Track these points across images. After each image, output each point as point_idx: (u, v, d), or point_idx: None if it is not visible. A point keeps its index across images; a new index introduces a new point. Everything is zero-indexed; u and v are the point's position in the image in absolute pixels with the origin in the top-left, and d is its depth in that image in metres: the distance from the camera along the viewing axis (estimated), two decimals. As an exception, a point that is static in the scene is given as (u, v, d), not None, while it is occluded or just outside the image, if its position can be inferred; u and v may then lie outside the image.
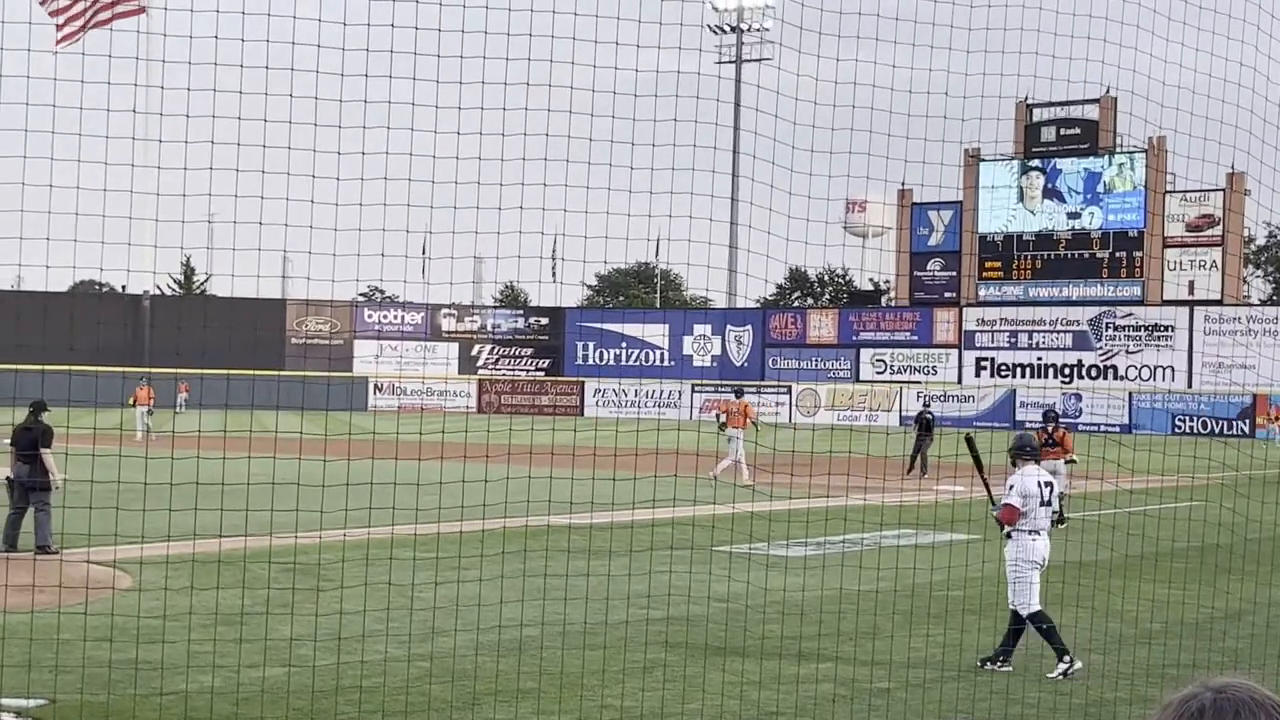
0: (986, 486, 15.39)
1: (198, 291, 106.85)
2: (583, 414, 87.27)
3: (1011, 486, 14.57)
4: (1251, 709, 2.62)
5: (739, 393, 40.19)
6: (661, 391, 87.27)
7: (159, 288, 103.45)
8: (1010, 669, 14.16)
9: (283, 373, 73.31)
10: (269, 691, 12.20)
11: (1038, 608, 14.35)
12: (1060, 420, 30.95)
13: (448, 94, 11.38)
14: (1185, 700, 2.69)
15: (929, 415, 42.60)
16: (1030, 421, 75.71)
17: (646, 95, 12.50)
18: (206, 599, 15.46)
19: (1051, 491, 14.73)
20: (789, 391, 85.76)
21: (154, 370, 76.58)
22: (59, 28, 26.45)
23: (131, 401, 53.15)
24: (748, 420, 36.64)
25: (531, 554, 17.35)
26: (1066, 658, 13.94)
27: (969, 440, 15.45)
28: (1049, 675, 13.93)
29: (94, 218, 11.16)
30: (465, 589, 16.00)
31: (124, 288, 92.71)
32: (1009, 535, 14.58)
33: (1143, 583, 19.17)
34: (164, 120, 11.27)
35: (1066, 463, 28.48)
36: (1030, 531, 14.48)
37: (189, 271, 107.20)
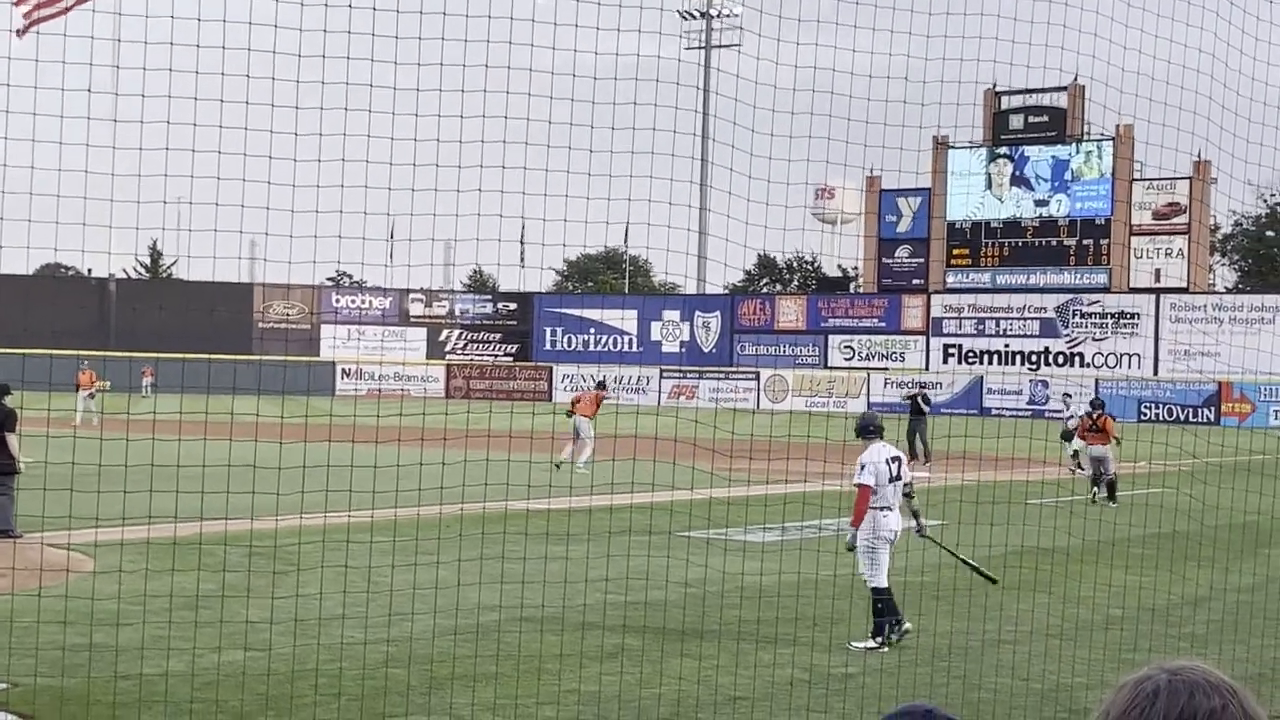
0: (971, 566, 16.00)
1: (164, 275, 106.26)
2: (551, 399, 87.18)
3: (863, 466, 14.81)
4: (1206, 690, 2.62)
5: (601, 385, 40.35)
6: (630, 377, 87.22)
7: (125, 271, 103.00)
8: (908, 627, 14.54)
9: (250, 357, 73.07)
10: (229, 676, 12.14)
11: (884, 584, 14.65)
12: (1104, 408, 33.36)
13: (428, 76, 11.32)
14: (1140, 682, 2.69)
15: (921, 397, 42.77)
16: (999, 408, 76.03)
17: (612, 79, 12.45)
18: (167, 583, 15.39)
19: (899, 466, 15.02)
20: (757, 378, 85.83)
21: (120, 355, 76.24)
22: (26, 15, 26.22)
23: (76, 386, 52.74)
24: (597, 408, 37.02)
25: (494, 538, 17.32)
26: (879, 639, 14.34)
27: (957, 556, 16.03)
28: (852, 644, 14.38)
29: (59, 200, 11.07)
30: (428, 573, 15.94)
31: (90, 271, 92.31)
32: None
33: (1106, 568, 19.24)
34: (122, 100, 11.18)
35: (1114, 445, 31.32)
36: (882, 508, 14.79)
37: (156, 255, 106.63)
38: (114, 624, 12.97)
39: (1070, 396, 44.31)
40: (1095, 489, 30.33)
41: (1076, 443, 35.39)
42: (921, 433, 40.73)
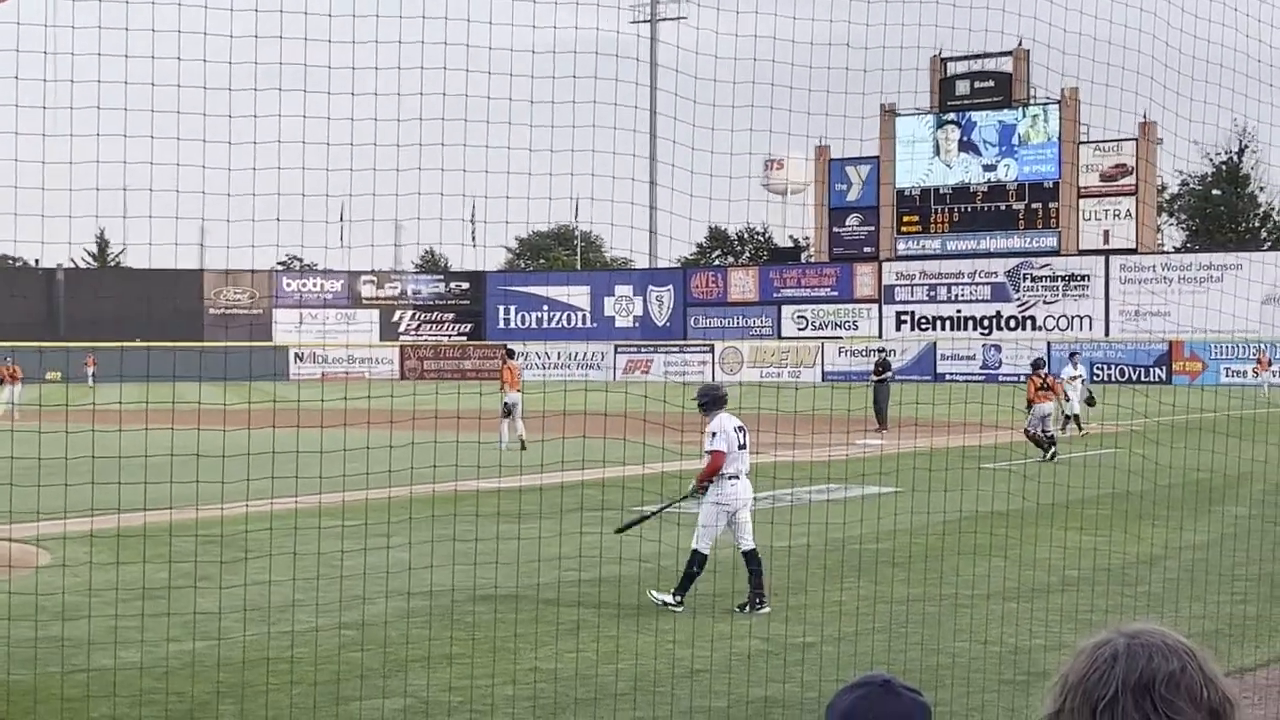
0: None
1: (113, 264, 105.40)
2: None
3: (714, 434, 14.91)
4: (1164, 653, 2.61)
5: (510, 354, 39.39)
6: (584, 353, 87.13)
7: (73, 260, 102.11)
8: (768, 609, 14.58)
9: (201, 344, 72.61)
10: (184, 666, 12.03)
11: (705, 552, 14.81)
12: (1044, 366, 34.86)
13: (363, 55, 11.17)
14: (1098, 646, 2.67)
15: (880, 364, 43.19)
16: (951, 373, 76.33)
17: (556, 52, 12.33)
18: (115, 574, 15.23)
19: (745, 435, 15.17)
20: (711, 350, 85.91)
21: (70, 344, 75.62)
22: None
23: None
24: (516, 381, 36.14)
25: (446, 519, 17.24)
26: (678, 597, 14.60)
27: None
28: (651, 593, 14.73)
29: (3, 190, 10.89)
30: (380, 556, 15.85)
31: (38, 261, 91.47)
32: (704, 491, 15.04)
33: (1061, 530, 19.32)
34: (54, 86, 10.97)
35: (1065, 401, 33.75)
36: (730, 477, 14.92)
37: (103, 244, 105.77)
38: (62, 617, 12.82)
39: (1078, 354, 44.27)
40: (1054, 448, 30.93)
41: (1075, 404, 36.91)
42: (881, 399, 40.85)
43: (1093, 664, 2.64)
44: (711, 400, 15.30)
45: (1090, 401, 37.86)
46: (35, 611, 12.41)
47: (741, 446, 15.02)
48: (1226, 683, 2.64)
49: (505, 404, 34.97)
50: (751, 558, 14.89)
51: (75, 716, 10.61)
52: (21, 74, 10.68)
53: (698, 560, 14.77)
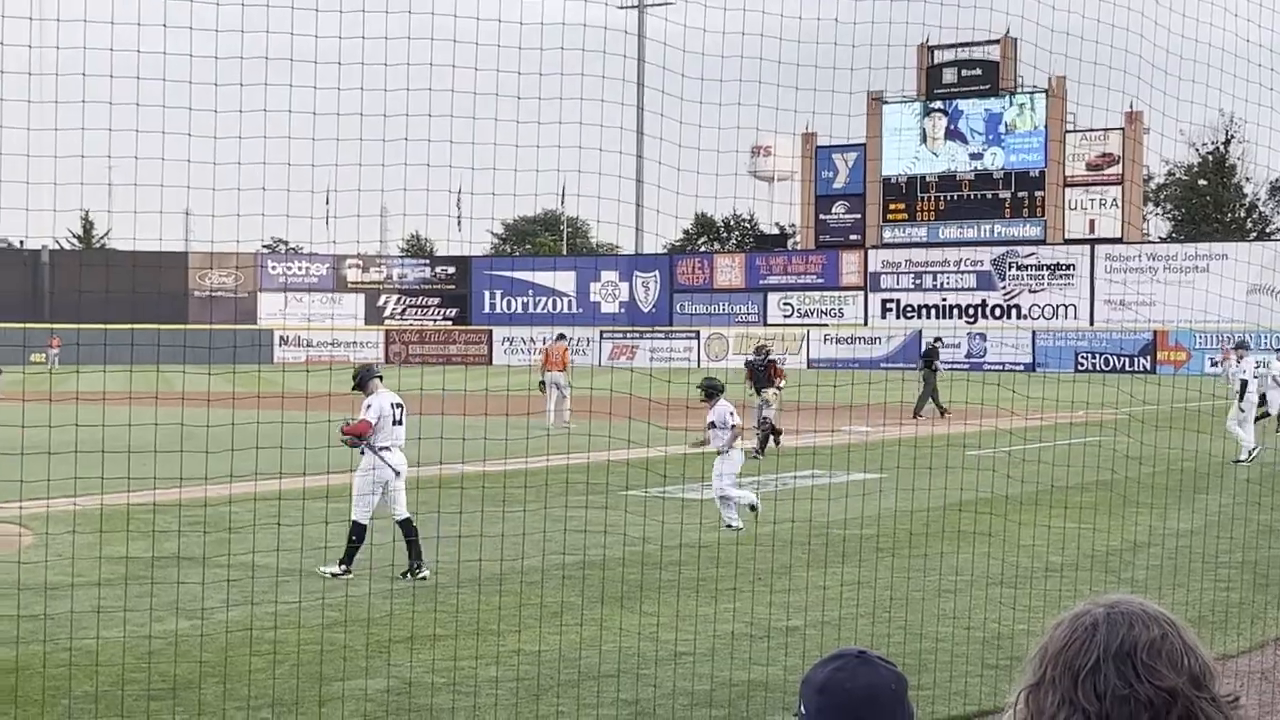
0: None
1: (98, 245, 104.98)
2: (491, 363, 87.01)
3: (369, 405, 15.91)
4: (1145, 621, 2.61)
5: (561, 337, 41.05)
6: (570, 338, 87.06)
7: (58, 242, 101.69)
8: (425, 575, 15.35)
9: (184, 326, 72.35)
10: (167, 645, 12.01)
11: (365, 522, 15.70)
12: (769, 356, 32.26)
13: (351, 24, 11.11)
14: (1078, 616, 2.68)
15: (932, 351, 42.76)
16: (937, 362, 76.30)
17: (544, 24, 12.29)
18: (98, 552, 15.21)
19: (403, 412, 16.15)
20: (697, 336, 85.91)
21: (54, 325, 75.37)
22: None
23: None
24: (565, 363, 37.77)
25: (430, 500, 17.24)
26: (344, 566, 15.38)
27: None
28: (321, 569, 15.20)
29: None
30: (376, 537, 15.86)
31: (22, 243, 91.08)
32: (362, 452, 15.91)
33: (1046, 516, 19.35)
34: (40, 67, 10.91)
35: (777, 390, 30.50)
36: (383, 448, 15.84)
37: (88, 225, 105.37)
38: (45, 596, 12.79)
39: (1247, 349, 32.18)
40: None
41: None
42: (929, 387, 40.56)
43: (1073, 633, 2.64)
44: (365, 379, 16.29)
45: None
46: (18, 590, 12.37)
47: (397, 422, 15.97)
48: (1206, 652, 2.64)
49: (551, 383, 35.91)
50: (406, 527, 15.75)
51: (58, 695, 10.59)
52: (6, 40, 10.64)
53: (357, 531, 15.63)
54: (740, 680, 11.17)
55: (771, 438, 28.95)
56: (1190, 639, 2.63)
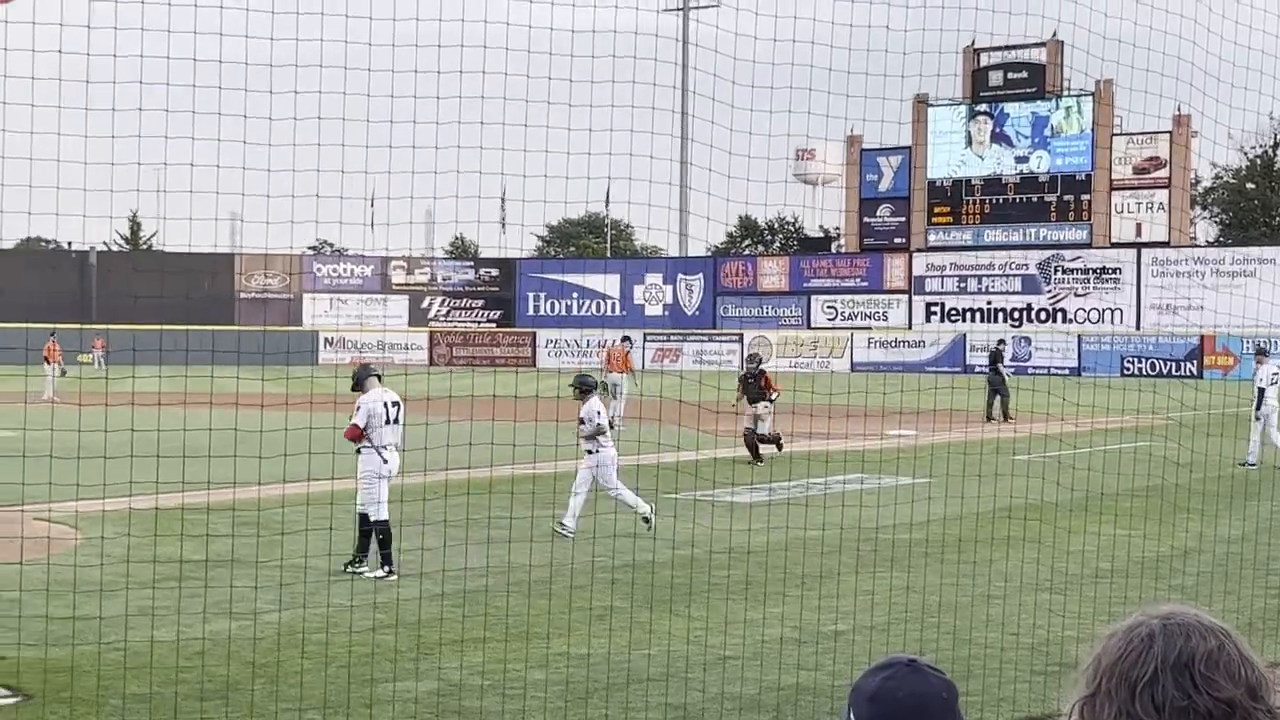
0: None
1: (145, 246, 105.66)
2: (535, 365, 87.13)
3: (359, 408, 16.16)
4: (1201, 632, 2.61)
5: (626, 338, 41.76)
6: (613, 341, 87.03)
7: (105, 244, 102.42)
8: (366, 570, 15.67)
9: (230, 327, 72.83)
10: (217, 645, 12.11)
11: (385, 517, 15.99)
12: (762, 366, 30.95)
13: (404, 31, 11.18)
14: (1132, 628, 2.66)
15: (997, 354, 42.39)
16: (982, 366, 75.97)
17: (595, 31, 12.33)
18: (151, 552, 15.32)
19: (399, 411, 16.37)
20: (740, 339, 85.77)
21: (101, 327, 75.94)
22: None
23: (44, 359, 52.41)
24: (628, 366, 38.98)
25: (479, 503, 17.29)
26: (387, 568, 15.67)
27: None
28: (366, 572, 15.49)
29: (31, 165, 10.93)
30: (414, 539, 15.93)
31: (70, 244, 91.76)
32: (359, 451, 16.11)
33: (1094, 522, 19.27)
34: (94, 61, 11.02)
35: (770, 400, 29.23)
36: (379, 447, 16.06)
37: (135, 226, 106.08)
38: (98, 594, 12.91)
39: (1267, 356, 31.09)
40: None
41: None
42: (997, 391, 40.05)
43: (1129, 644, 2.64)
44: (361, 380, 16.54)
45: None
46: (72, 590, 12.50)
47: (392, 421, 16.19)
48: (1260, 662, 2.65)
49: (611, 385, 36.60)
50: (378, 524, 15.98)
51: (109, 694, 10.69)
52: (65, 48, 10.75)
53: (383, 528, 15.93)
54: (786, 685, 11.17)
55: (774, 445, 28.34)
56: (1245, 649, 2.64)
